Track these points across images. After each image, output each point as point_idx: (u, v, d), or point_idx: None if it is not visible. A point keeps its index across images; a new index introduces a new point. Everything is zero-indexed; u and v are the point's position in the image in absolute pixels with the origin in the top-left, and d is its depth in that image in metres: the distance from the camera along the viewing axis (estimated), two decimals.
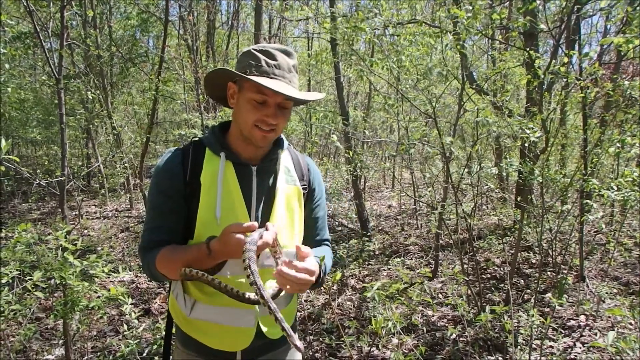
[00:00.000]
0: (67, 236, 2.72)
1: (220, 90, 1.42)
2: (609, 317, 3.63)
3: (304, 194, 1.48)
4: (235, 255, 1.20)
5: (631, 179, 3.28)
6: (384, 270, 5.18)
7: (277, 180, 1.42)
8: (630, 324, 3.46)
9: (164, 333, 3.37)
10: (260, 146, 1.38)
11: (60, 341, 3.53)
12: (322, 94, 1.46)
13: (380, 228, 7.06)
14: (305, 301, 4.34)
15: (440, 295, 4.40)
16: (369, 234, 6.26)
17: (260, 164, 1.41)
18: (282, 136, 1.50)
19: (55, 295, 3.24)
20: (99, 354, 3.38)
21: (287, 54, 1.36)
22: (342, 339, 2.92)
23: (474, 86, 4.61)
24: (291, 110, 1.40)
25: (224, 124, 1.47)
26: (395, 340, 3.37)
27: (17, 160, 3.07)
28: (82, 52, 8.62)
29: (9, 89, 7.33)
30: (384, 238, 6.52)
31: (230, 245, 1.19)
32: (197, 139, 1.44)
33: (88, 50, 7.02)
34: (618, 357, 2.36)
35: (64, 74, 6.53)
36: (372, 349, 3.31)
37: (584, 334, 3.52)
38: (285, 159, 1.48)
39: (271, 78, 1.30)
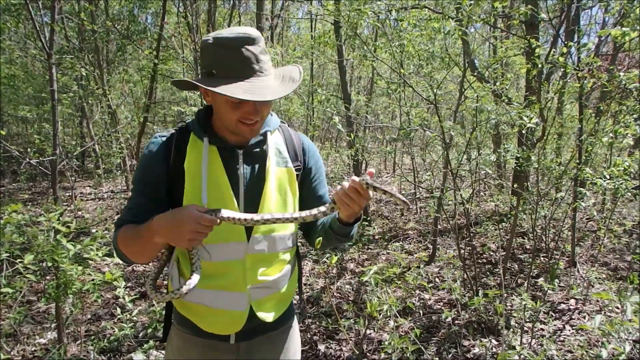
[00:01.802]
0: (60, 218, 2.67)
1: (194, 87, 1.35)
2: (598, 300, 3.70)
3: (297, 174, 1.43)
4: (180, 234, 1.17)
5: (622, 169, 3.32)
6: (383, 254, 5.21)
7: (267, 162, 1.37)
8: (617, 307, 3.53)
9: (159, 315, 3.38)
10: (249, 138, 1.34)
11: (53, 325, 3.48)
12: (298, 81, 1.31)
13: (380, 213, 7.09)
14: (305, 284, 4.37)
15: (437, 279, 4.45)
16: (368, 218, 6.28)
17: (247, 147, 1.36)
18: (273, 114, 1.45)
19: (47, 278, 3.20)
20: (92, 337, 3.35)
21: (249, 42, 1.22)
22: (340, 322, 2.95)
23: (475, 73, 4.60)
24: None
25: (209, 107, 1.39)
26: (391, 323, 3.40)
27: (3, 133, 2.98)
28: (76, 26, 8.37)
29: None
30: (383, 222, 6.55)
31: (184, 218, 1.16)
32: (184, 123, 1.40)
33: (82, 25, 6.82)
34: (604, 339, 2.42)
35: (57, 49, 6.36)
36: (369, 332, 3.35)
37: (573, 317, 3.59)
38: (276, 140, 1.42)
39: (239, 79, 1.21)
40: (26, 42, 11.67)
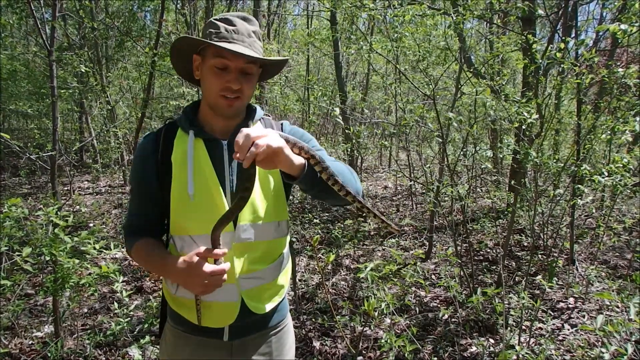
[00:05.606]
0: (58, 212, 2.68)
1: (188, 64, 1.42)
2: (597, 299, 3.68)
3: None
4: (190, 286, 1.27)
5: (621, 165, 3.30)
6: (379, 250, 5.20)
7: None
8: (617, 306, 3.52)
9: (155, 310, 3.38)
10: (228, 116, 1.38)
11: (50, 318, 3.49)
12: (287, 57, 1.45)
13: (376, 209, 7.07)
14: (300, 280, 4.36)
15: (433, 276, 4.43)
16: (364, 214, 6.25)
17: (231, 138, 1.39)
18: (258, 107, 1.50)
19: (45, 271, 3.21)
20: (89, 331, 3.35)
21: (246, 20, 1.37)
22: (336, 319, 2.94)
23: (471, 69, 4.58)
24: (257, 77, 1.39)
25: (196, 102, 1.47)
26: (388, 321, 3.40)
27: (8, 137, 3.01)
28: (76, 23, 8.40)
29: None
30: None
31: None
32: (171, 120, 1.45)
33: (82, 22, 6.85)
34: (605, 340, 2.40)
35: (57, 46, 6.36)
36: (364, 329, 3.34)
37: (572, 315, 3.57)
38: None
39: (229, 42, 1.30)
40: (28, 39, 11.72)
